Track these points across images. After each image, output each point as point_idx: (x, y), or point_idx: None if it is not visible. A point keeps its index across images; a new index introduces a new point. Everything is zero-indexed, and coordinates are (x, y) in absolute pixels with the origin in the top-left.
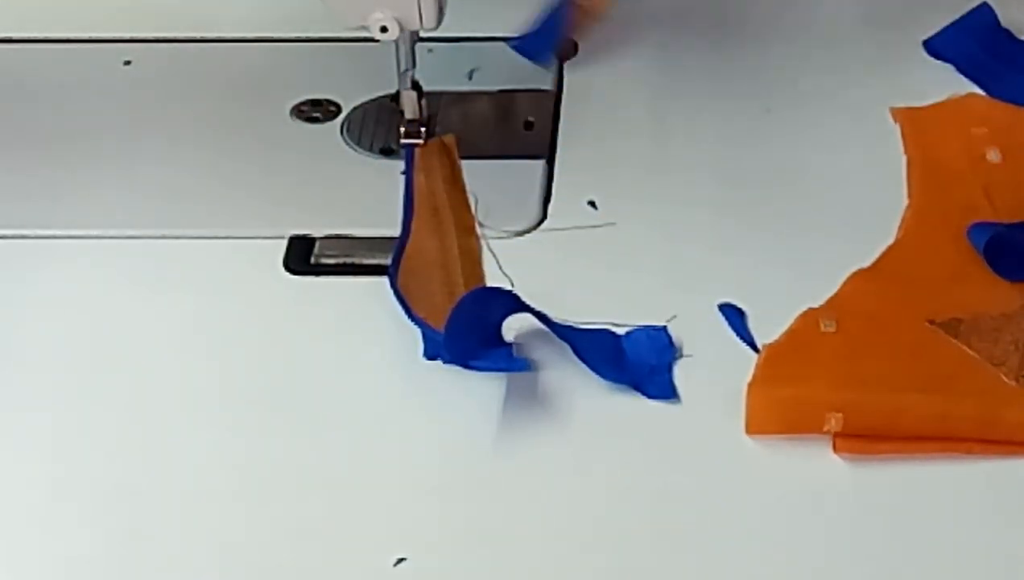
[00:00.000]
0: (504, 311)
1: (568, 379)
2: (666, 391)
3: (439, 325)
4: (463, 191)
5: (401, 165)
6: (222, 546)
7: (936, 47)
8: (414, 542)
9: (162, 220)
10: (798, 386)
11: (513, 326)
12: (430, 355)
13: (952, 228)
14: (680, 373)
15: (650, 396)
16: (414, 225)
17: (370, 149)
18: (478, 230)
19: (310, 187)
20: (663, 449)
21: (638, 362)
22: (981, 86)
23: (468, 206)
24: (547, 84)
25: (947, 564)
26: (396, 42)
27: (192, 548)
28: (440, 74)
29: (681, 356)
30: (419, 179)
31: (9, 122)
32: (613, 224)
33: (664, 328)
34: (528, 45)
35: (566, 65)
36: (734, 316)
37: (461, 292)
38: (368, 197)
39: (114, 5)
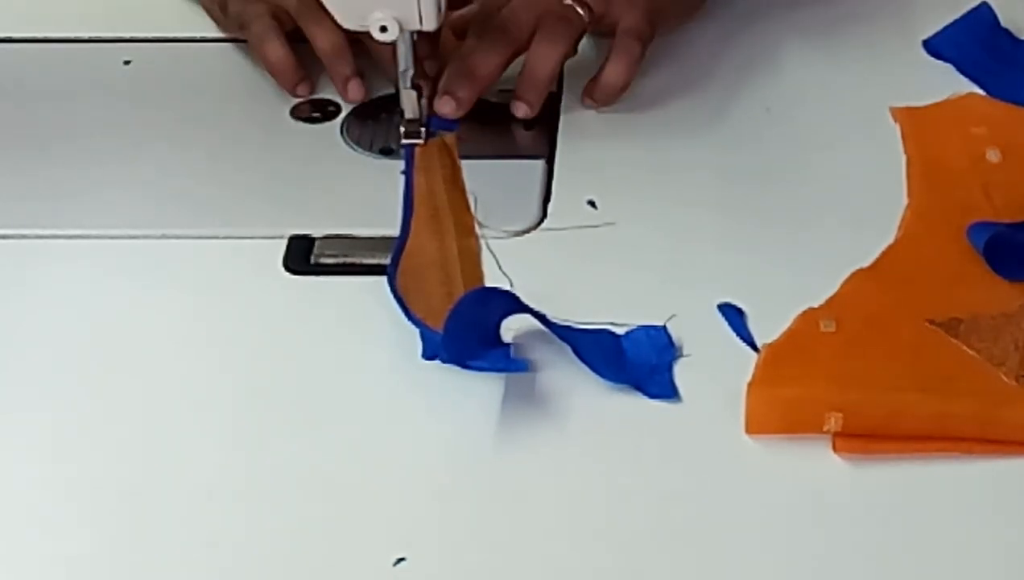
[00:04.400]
0: (503, 311)
1: (568, 379)
2: (666, 390)
3: (438, 325)
4: (463, 191)
5: (401, 165)
6: (222, 546)
7: (936, 47)
8: (414, 542)
9: (162, 220)
10: (798, 386)
11: (512, 326)
12: (428, 355)
13: (952, 228)
14: (680, 373)
15: (651, 395)
16: (413, 225)
17: (370, 149)
18: (478, 230)
19: (310, 187)
20: (663, 449)
21: (638, 362)
22: (981, 86)
23: (468, 206)
24: None
25: (947, 564)
26: (396, 42)
27: (192, 548)
28: None
29: (681, 356)
30: (419, 179)
31: (9, 122)
32: (613, 224)
33: (664, 328)
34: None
35: (566, 65)
36: (734, 316)
37: (460, 292)
38: (368, 197)
39: (114, 5)
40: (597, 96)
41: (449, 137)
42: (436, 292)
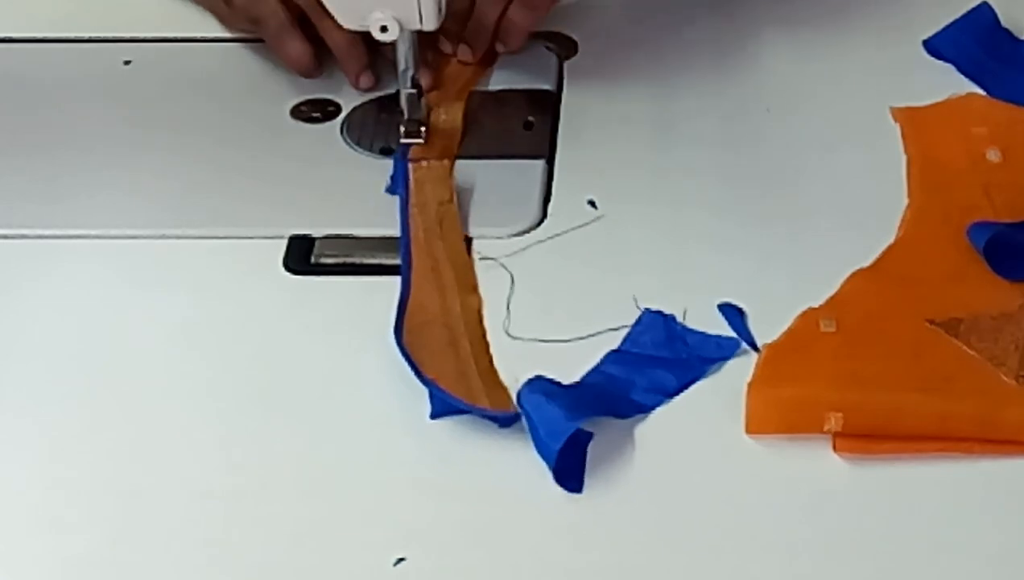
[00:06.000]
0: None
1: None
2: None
3: (447, 385)
4: (461, 238)
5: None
6: (222, 546)
7: (936, 47)
8: (414, 542)
9: (162, 220)
10: (798, 386)
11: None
12: (436, 414)
13: (952, 228)
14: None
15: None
16: (413, 279)
17: (370, 149)
18: (475, 231)
19: (310, 187)
20: (663, 449)
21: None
22: (981, 86)
23: (469, 260)
24: (547, 84)
25: (947, 564)
26: (396, 42)
27: (192, 548)
28: None
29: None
30: (415, 218)
31: (9, 122)
32: (606, 215)
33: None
34: None
35: (566, 65)
36: (734, 316)
37: (467, 352)
38: (368, 197)
39: (114, 5)
40: (503, 39)
41: (445, 163)
42: (444, 352)
